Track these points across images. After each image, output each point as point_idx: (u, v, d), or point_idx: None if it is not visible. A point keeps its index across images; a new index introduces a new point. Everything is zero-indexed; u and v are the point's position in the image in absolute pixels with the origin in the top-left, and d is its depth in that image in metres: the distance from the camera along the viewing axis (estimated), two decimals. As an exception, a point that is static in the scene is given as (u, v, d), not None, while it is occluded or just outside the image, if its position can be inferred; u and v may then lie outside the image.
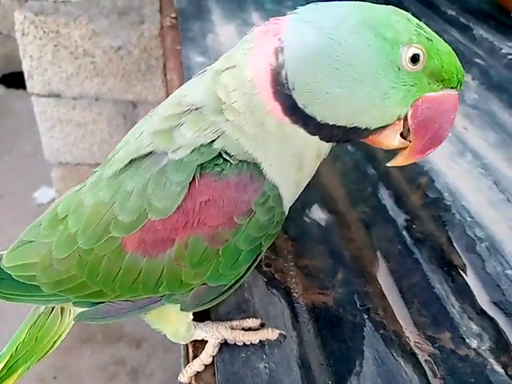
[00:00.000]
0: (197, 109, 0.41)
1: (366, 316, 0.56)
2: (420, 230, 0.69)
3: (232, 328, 0.48)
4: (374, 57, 0.37)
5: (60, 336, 0.52)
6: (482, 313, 0.59)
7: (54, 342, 0.52)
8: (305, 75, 0.38)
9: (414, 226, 0.70)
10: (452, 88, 0.39)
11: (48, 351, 0.52)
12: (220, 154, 0.39)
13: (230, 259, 0.41)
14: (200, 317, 0.51)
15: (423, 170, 0.82)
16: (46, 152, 1.88)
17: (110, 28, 1.75)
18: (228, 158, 0.39)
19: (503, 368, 0.52)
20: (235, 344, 0.48)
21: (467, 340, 0.55)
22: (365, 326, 0.54)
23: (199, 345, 0.49)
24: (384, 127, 0.40)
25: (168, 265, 0.40)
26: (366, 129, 0.39)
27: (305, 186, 0.46)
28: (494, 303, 0.60)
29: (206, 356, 0.47)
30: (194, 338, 0.49)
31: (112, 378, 1.66)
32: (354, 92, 0.37)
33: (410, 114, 0.39)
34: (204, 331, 0.48)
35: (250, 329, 0.49)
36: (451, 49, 0.40)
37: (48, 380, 1.71)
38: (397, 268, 0.63)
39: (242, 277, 0.44)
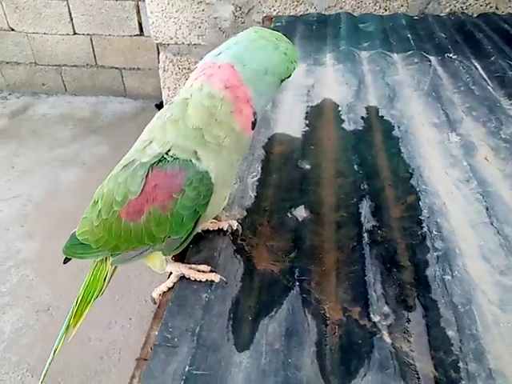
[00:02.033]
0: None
1: (298, 283, 0.74)
2: (383, 235, 0.83)
3: (190, 268, 0.72)
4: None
5: (107, 273, 0.81)
6: (401, 301, 0.71)
7: (105, 279, 0.81)
8: (260, 102, 0.64)
9: (379, 231, 0.84)
10: None
11: (103, 286, 0.81)
12: (163, 156, 0.63)
13: (177, 220, 0.64)
14: (177, 260, 0.76)
15: (414, 190, 0.94)
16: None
17: (230, 65, 2.13)
18: (168, 158, 0.62)
19: (391, 339, 0.65)
20: (190, 279, 0.72)
21: (372, 315, 0.69)
22: (293, 289, 0.73)
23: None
24: None
25: (144, 225, 0.66)
26: None
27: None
28: (418, 297, 0.72)
29: (168, 282, 0.72)
30: (165, 271, 0.74)
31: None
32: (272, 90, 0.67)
33: None
34: (171, 266, 0.73)
35: (203, 271, 0.73)
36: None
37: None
38: (344, 258, 0.79)
39: (191, 232, 0.67)
